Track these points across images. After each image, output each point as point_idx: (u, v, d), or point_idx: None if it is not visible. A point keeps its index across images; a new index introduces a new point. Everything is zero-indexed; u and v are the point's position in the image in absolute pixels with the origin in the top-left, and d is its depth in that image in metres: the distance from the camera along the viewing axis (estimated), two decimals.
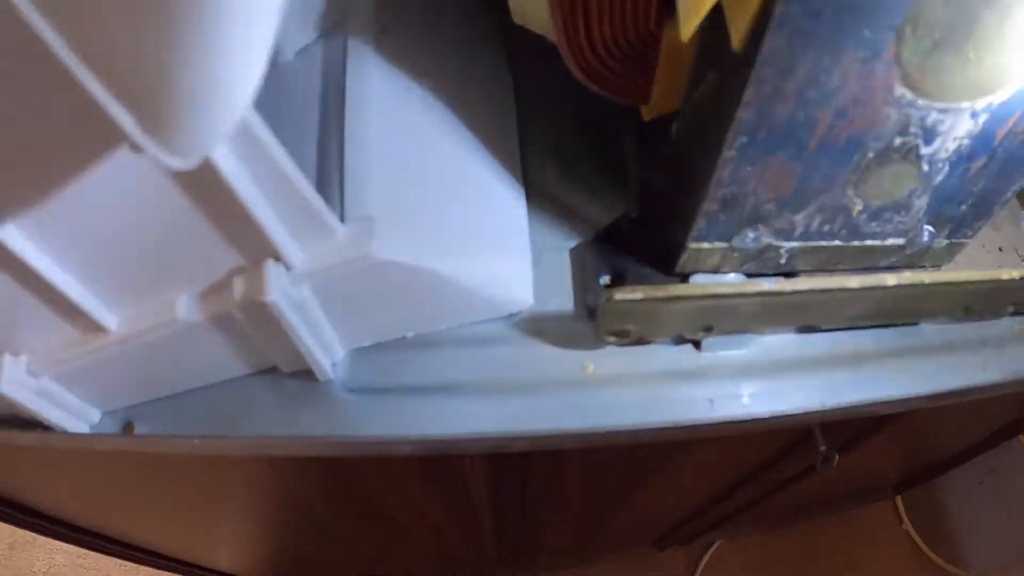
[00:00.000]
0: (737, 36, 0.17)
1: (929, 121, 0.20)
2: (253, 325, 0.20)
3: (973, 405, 0.70)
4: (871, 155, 0.20)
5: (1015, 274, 0.25)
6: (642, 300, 0.20)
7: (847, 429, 0.54)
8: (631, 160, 0.26)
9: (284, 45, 0.26)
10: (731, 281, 0.23)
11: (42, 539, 1.04)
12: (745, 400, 0.23)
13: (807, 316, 0.23)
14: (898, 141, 0.20)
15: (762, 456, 0.58)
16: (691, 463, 0.56)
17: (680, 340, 0.23)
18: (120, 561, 0.65)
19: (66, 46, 0.12)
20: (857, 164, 0.20)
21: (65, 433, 0.24)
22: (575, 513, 0.64)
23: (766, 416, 0.23)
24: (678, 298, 0.20)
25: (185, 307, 0.20)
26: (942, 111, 0.19)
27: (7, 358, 0.22)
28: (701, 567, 0.88)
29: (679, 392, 0.23)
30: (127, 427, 0.25)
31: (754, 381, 0.23)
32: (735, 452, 0.56)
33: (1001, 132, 0.21)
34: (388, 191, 0.21)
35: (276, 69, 0.26)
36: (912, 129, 0.20)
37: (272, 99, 0.25)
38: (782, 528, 0.91)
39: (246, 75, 0.12)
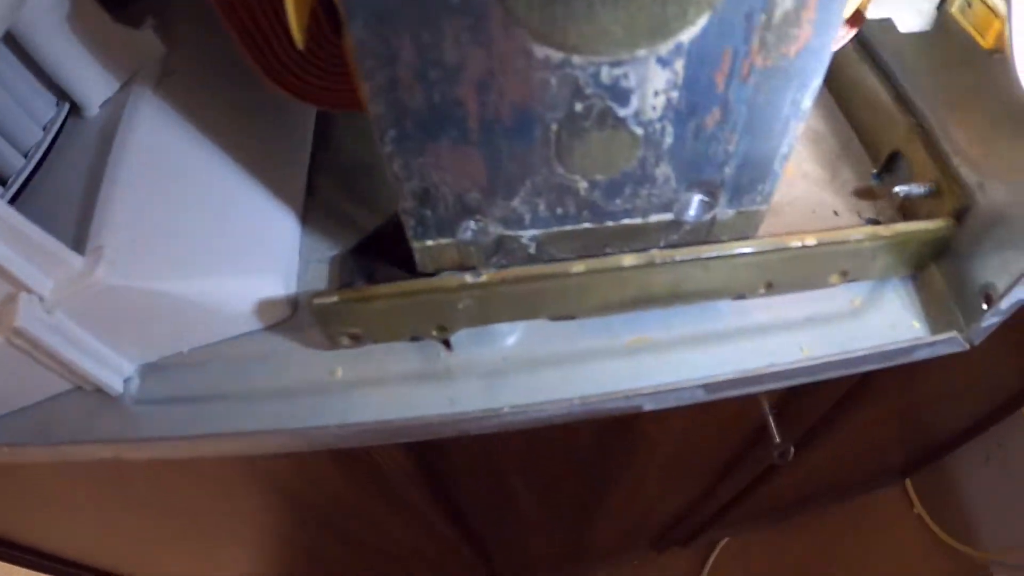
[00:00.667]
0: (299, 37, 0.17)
1: (604, 78, 0.18)
2: (31, 349, 0.22)
3: (967, 380, 0.64)
4: (555, 126, 0.19)
5: (809, 240, 0.22)
6: (341, 303, 0.20)
7: (803, 420, 0.50)
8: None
9: (86, 101, 0.28)
10: (453, 277, 0.22)
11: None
12: (490, 394, 0.22)
13: (552, 306, 0.22)
14: (579, 107, 0.19)
15: (721, 453, 0.55)
16: (644, 464, 0.53)
17: (419, 340, 0.22)
18: None
19: None
20: (544, 139, 0.19)
21: None
22: (548, 521, 0.62)
23: (498, 412, 0.21)
24: (378, 297, 0.20)
25: None
26: (614, 64, 0.18)
27: None
28: (708, 566, 0.85)
29: (421, 391, 0.22)
30: None
31: (498, 376, 0.22)
32: (689, 450, 0.53)
33: (719, 75, 0.19)
34: (130, 222, 0.22)
35: (82, 123, 0.28)
36: (588, 91, 0.18)
37: (74, 150, 0.27)
38: (789, 520, 0.86)
39: None
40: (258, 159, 0.25)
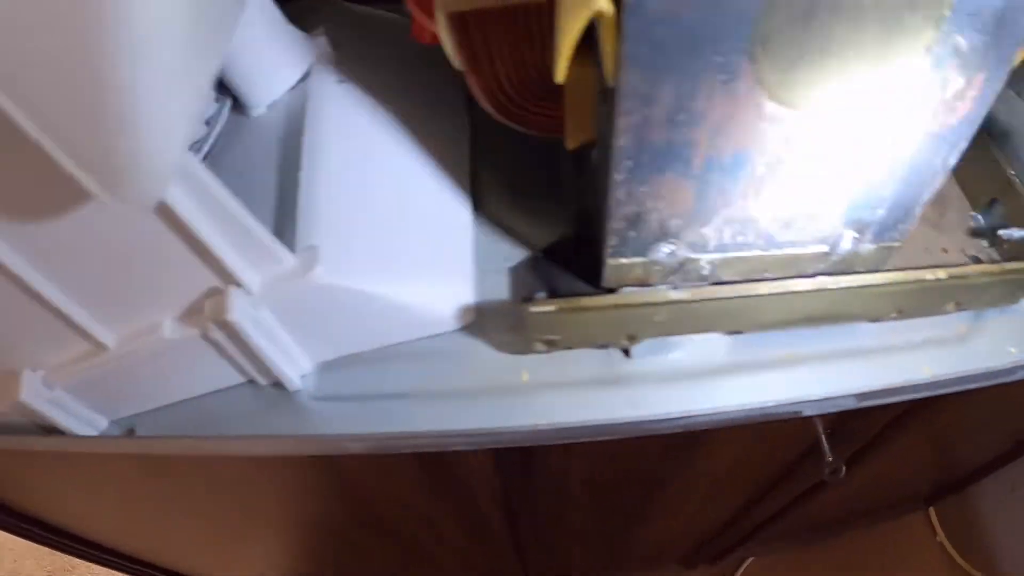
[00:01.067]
0: (607, 73, 0.19)
1: (814, 127, 0.21)
2: (226, 342, 0.23)
3: (996, 411, 0.68)
4: (762, 168, 0.22)
5: (941, 274, 0.26)
6: (556, 312, 0.22)
7: (854, 439, 0.53)
8: (568, 185, 0.28)
9: (255, 101, 0.30)
10: (654, 292, 0.25)
11: (80, 567, 1.13)
12: (670, 401, 0.24)
13: (728, 321, 0.25)
14: (787, 151, 0.22)
15: (770, 470, 0.58)
16: (698, 477, 0.56)
17: (607, 347, 0.25)
18: None
19: (37, 130, 0.15)
20: (750, 177, 0.22)
21: (74, 437, 0.28)
22: (593, 529, 0.65)
23: (679, 416, 0.24)
24: (588, 309, 0.22)
25: (170, 327, 0.24)
26: (819, 121, 0.21)
27: (27, 372, 0.26)
28: None
29: (603, 395, 0.24)
30: (129, 432, 0.28)
31: (680, 384, 0.25)
32: (741, 465, 0.56)
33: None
34: (337, 222, 0.24)
35: (248, 121, 0.30)
36: (797, 138, 0.21)
37: (243, 147, 0.29)
38: (814, 543, 0.89)
39: (172, 142, 0.16)
40: (432, 168, 0.28)
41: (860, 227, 0.25)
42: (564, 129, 0.24)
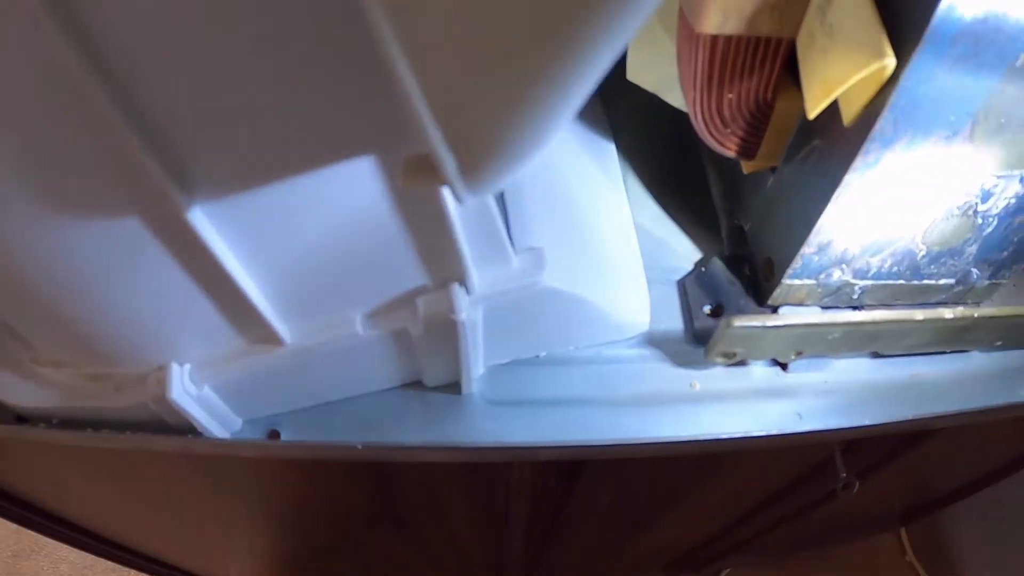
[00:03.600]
0: (848, 117, 0.23)
1: (988, 185, 0.25)
2: (428, 342, 0.25)
3: (980, 437, 0.76)
4: (940, 212, 0.26)
5: None
6: (754, 327, 0.26)
7: (867, 455, 0.60)
8: (720, 207, 0.32)
9: None
10: (811, 312, 0.29)
11: (47, 547, 1.07)
12: (824, 415, 0.28)
13: (876, 344, 0.29)
14: (963, 201, 0.26)
15: (783, 481, 0.64)
16: (716, 490, 0.61)
17: (774, 362, 0.29)
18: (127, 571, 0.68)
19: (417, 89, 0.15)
20: (929, 219, 0.26)
21: (210, 440, 0.28)
22: (597, 533, 0.69)
23: (842, 428, 0.28)
24: (782, 327, 0.26)
25: (362, 323, 0.25)
26: (999, 177, 0.25)
27: (175, 367, 0.26)
28: None
29: (770, 407, 0.28)
30: (271, 434, 0.29)
31: (832, 397, 0.29)
32: (756, 478, 0.61)
33: (1007, 192, 0.27)
34: (543, 230, 0.26)
35: None
36: (974, 191, 0.26)
37: None
38: (788, 558, 0.96)
39: (555, 132, 0.15)
40: (596, 185, 0.30)
41: (985, 265, 0.30)
42: (749, 155, 0.27)
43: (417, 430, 0.27)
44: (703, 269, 0.30)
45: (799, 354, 0.28)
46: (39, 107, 0.16)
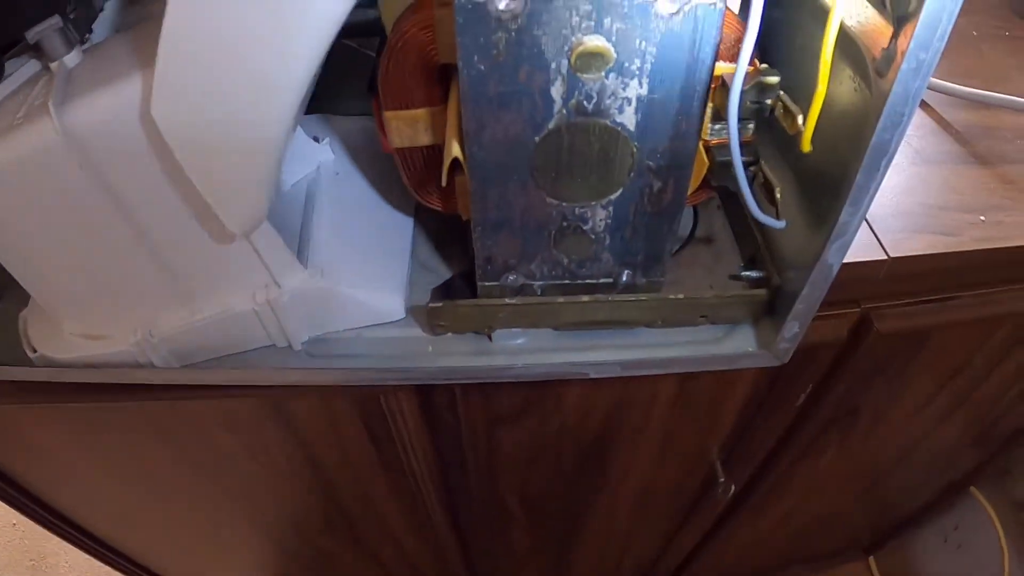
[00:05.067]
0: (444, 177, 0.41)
1: (577, 212, 0.43)
2: (268, 316, 0.45)
3: (924, 456, 0.86)
4: (553, 232, 0.43)
5: (681, 295, 0.47)
6: (443, 307, 0.44)
7: (745, 463, 0.73)
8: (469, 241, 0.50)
9: (285, 181, 0.53)
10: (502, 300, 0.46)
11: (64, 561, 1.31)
12: (519, 365, 0.46)
13: (546, 320, 0.46)
14: (565, 224, 0.43)
15: (679, 496, 0.77)
16: (615, 496, 0.76)
17: (479, 332, 0.47)
18: None
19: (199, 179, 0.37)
20: (548, 237, 0.44)
21: (159, 369, 0.50)
22: (535, 547, 0.84)
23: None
24: (463, 307, 0.44)
25: (236, 303, 0.46)
26: (582, 207, 0.42)
27: (147, 328, 0.48)
28: None
29: (476, 359, 0.46)
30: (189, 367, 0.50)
31: (521, 355, 0.46)
32: (650, 489, 0.76)
33: (628, 215, 0.43)
34: (331, 250, 0.46)
35: (283, 193, 0.53)
36: (569, 217, 0.43)
37: (282, 207, 0.51)
38: None
39: (266, 201, 0.37)
40: (390, 226, 0.50)
41: (632, 267, 0.46)
42: (455, 208, 0.46)
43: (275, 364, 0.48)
44: (449, 280, 0.49)
45: (490, 328, 0.46)
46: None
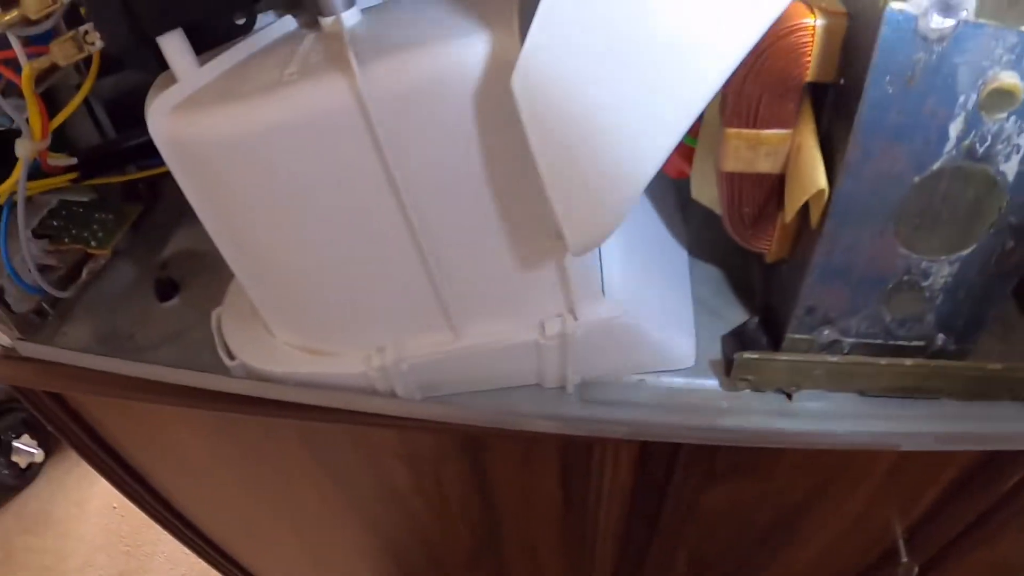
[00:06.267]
0: (813, 222, 0.38)
1: (923, 267, 0.39)
2: (550, 351, 0.41)
3: None
4: (890, 286, 0.40)
5: (994, 366, 0.43)
6: (756, 359, 0.40)
7: (933, 543, 0.69)
8: (757, 285, 0.47)
9: None
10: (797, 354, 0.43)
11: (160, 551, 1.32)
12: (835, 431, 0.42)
13: (856, 383, 0.42)
14: (905, 278, 0.40)
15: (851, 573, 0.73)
16: (788, 567, 0.71)
17: (781, 391, 0.43)
18: None
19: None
20: (883, 291, 0.40)
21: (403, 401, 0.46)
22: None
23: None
24: (773, 360, 0.40)
25: (515, 333, 0.41)
26: (930, 261, 0.39)
27: (390, 346, 0.44)
28: None
29: (781, 420, 0.42)
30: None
31: (832, 421, 0.42)
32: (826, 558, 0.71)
33: (971, 274, 0.40)
34: (624, 284, 0.42)
35: None
36: (913, 271, 0.40)
37: None
38: None
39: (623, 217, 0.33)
40: (670, 258, 0.47)
41: (949, 331, 0.43)
42: (767, 248, 0.43)
43: (540, 411, 0.43)
44: (743, 326, 0.45)
45: (797, 386, 0.42)
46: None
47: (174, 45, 0.34)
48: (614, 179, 0.32)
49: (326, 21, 0.35)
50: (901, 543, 0.68)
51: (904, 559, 0.67)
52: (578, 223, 0.33)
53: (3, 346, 0.50)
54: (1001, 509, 0.65)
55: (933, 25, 0.31)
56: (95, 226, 0.52)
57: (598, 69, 0.29)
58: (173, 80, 0.35)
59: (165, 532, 0.78)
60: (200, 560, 0.84)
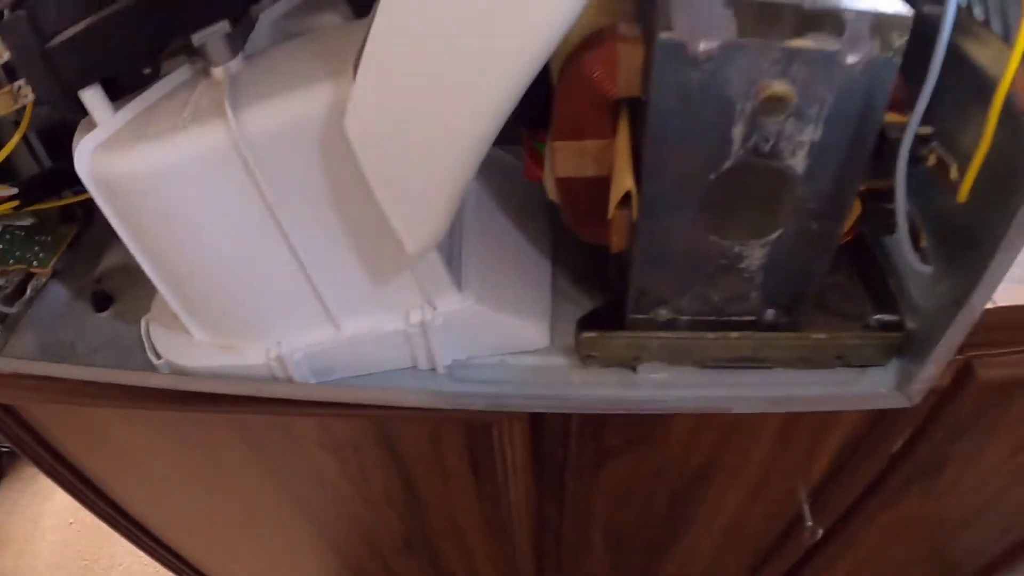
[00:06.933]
0: (634, 215, 0.44)
1: (736, 251, 0.46)
2: (418, 338, 0.48)
3: (997, 515, 0.87)
4: (711, 270, 0.46)
5: (821, 335, 0.49)
6: (596, 337, 0.47)
7: (834, 509, 0.74)
8: (611, 273, 0.53)
9: None
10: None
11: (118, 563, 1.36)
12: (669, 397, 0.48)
13: (692, 356, 0.48)
14: (723, 262, 0.46)
15: (762, 537, 0.79)
16: (701, 531, 0.77)
17: (625, 365, 0.49)
18: None
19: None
20: (705, 274, 0.46)
21: (299, 384, 0.52)
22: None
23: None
24: (613, 338, 0.47)
25: (388, 323, 0.48)
26: (742, 246, 0.45)
27: (285, 342, 0.51)
28: None
29: (622, 391, 0.48)
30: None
31: (671, 390, 0.48)
32: (737, 526, 0.77)
33: (783, 255, 0.46)
34: (480, 277, 0.49)
35: None
36: (728, 255, 0.46)
37: None
38: None
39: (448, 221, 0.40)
40: (530, 253, 0.53)
41: (776, 305, 0.49)
42: (611, 241, 0.49)
43: (415, 387, 0.50)
44: (595, 310, 0.51)
45: (636, 359, 0.48)
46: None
47: (93, 97, 0.41)
48: (434, 191, 0.39)
49: (215, 70, 0.43)
50: (806, 508, 0.74)
51: (809, 523, 0.73)
52: (411, 230, 0.41)
53: None
54: (896, 470, 0.71)
55: (700, 48, 0.37)
56: (36, 248, 0.59)
57: (411, 103, 0.37)
58: (94, 124, 0.43)
59: (121, 545, 0.84)
60: (159, 570, 0.91)
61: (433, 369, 0.51)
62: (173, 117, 0.42)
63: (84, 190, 0.61)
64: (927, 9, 0.42)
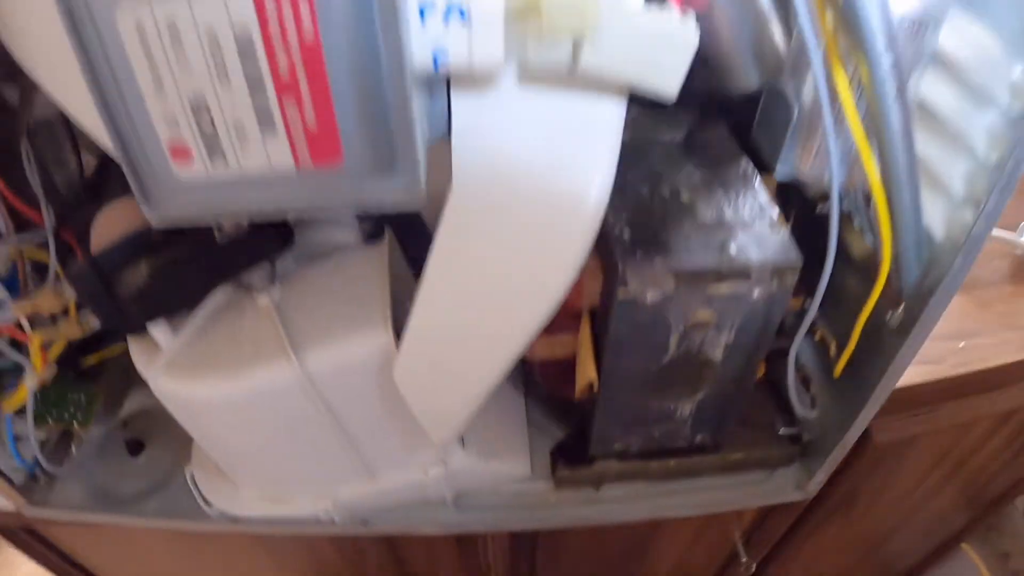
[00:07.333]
0: (595, 389, 0.58)
1: (671, 407, 0.60)
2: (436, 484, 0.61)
3: (919, 523, 1.07)
4: (653, 418, 0.61)
5: (736, 455, 0.65)
6: (568, 473, 0.61)
7: (763, 546, 0.92)
8: (574, 410, 0.67)
9: None
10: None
11: None
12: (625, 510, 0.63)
13: (642, 476, 0.64)
14: (660, 413, 0.61)
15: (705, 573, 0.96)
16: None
17: (590, 487, 0.64)
18: None
19: None
20: (647, 422, 0.61)
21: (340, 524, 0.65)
22: None
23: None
24: (580, 472, 0.61)
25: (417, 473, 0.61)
26: (675, 403, 0.60)
27: (331, 499, 0.63)
28: None
29: (588, 509, 0.63)
30: (365, 522, 0.65)
31: (627, 503, 0.64)
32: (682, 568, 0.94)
33: (707, 404, 0.61)
34: (476, 433, 0.62)
35: None
36: (666, 410, 0.60)
37: None
38: None
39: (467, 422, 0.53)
40: (510, 402, 0.66)
41: (702, 435, 0.64)
42: (573, 393, 0.63)
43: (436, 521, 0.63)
44: (562, 442, 0.65)
45: (599, 482, 0.63)
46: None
47: (158, 328, 0.52)
48: (460, 409, 0.52)
49: (261, 299, 0.53)
50: (740, 546, 0.92)
51: (744, 558, 0.91)
52: (438, 432, 0.54)
53: (8, 512, 0.66)
54: (813, 511, 0.87)
55: (648, 300, 0.50)
56: (70, 405, 0.68)
57: (447, 356, 0.48)
58: (153, 343, 0.52)
59: None
60: None
61: (444, 502, 0.64)
62: (231, 346, 0.52)
63: (102, 347, 0.70)
64: (820, 209, 0.57)
